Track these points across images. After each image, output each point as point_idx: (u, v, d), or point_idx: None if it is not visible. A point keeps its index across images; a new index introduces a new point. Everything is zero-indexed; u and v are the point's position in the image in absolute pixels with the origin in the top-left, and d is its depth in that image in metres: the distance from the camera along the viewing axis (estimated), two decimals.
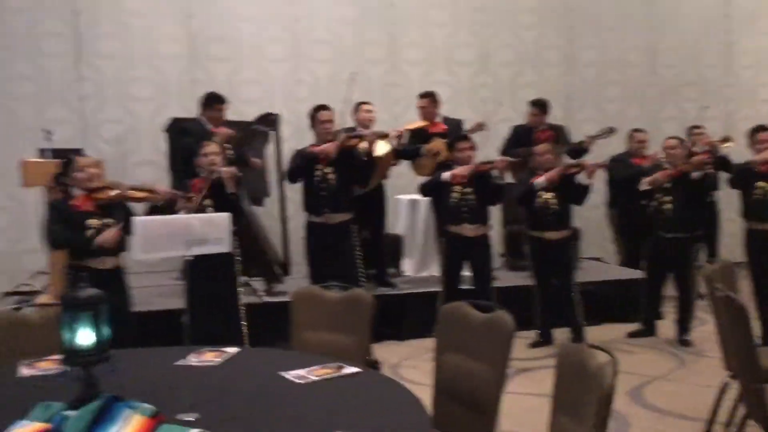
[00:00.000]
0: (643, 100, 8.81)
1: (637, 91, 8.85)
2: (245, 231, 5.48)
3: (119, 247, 4.22)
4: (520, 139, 6.85)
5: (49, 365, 2.76)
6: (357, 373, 2.57)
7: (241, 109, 6.99)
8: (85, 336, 2.08)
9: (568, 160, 6.34)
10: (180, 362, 2.76)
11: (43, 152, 5.82)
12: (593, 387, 2.06)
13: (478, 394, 2.65)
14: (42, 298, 5.88)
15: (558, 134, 6.95)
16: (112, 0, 7.51)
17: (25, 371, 2.71)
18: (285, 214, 6.78)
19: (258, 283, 6.25)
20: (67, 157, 4.38)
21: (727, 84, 9.08)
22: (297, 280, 6.73)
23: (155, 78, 7.67)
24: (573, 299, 5.56)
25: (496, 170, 5.33)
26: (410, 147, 6.23)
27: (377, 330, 4.80)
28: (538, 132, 6.83)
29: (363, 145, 5.18)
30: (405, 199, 7.07)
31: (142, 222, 2.21)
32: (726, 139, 6.69)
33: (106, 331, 2.12)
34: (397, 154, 6.19)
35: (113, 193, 4.20)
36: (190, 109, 7.68)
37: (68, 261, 4.18)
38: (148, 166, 7.58)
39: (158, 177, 7.11)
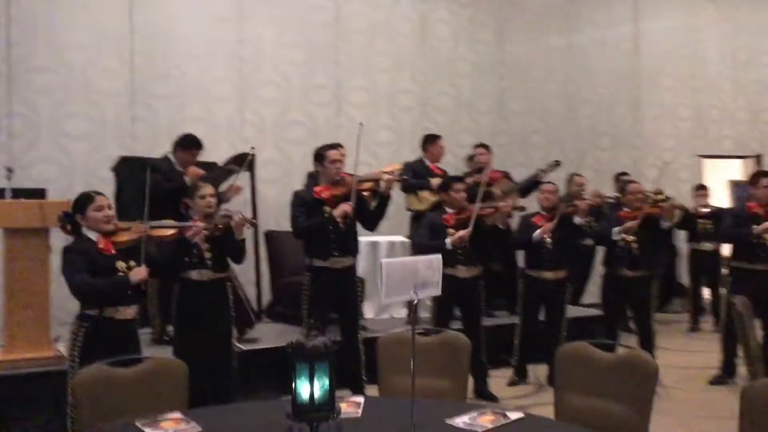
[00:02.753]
0: (563, 148, 9.35)
1: (558, 139, 9.40)
2: None
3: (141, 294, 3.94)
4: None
5: (172, 425, 2.54)
6: (522, 418, 2.56)
7: None
8: (316, 389, 1.95)
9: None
10: None
11: (2, 192, 5.31)
12: None
13: None
14: None
15: (506, 175, 7.22)
16: (47, 32, 7.03)
17: None
18: (258, 258, 6.55)
19: None
20: (81, 193, 3.98)
21: (636, 134, 9.87)
22: (270, 326, 6.57)
23: (92, 114, 7.23)
24: (560, 336, 5.79)
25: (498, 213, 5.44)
26: (417, 180, 6.39)
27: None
28: (491, 172, 7.03)
29: (378, 186, 5.08)
30: (365, 241, 7.03)
31: (388, 264, 2.09)
32: (658, 192, 7.22)
33: (332, 383, 2.00)
34: (404, 187, 6.29)
35: (135, 235, 3.92)
36: (129, 147, 7.32)
37: (82, 311, 3.82)
38: None
39: None
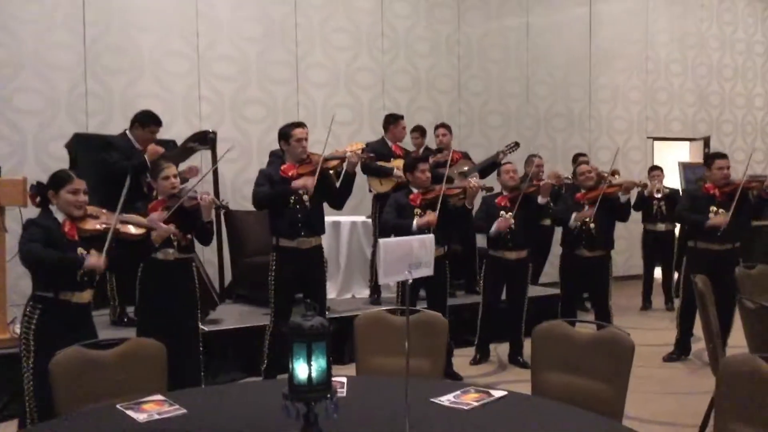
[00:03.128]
0: (519, 128, 9.44)
1: (515, 120, 9.47)
2: None
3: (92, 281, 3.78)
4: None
5: (155, 407, 2.49)
6: (505, 395, 2.58)
7: None
8: (313, 369, 1.93)
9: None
10: None
11: None
12: None
13: (599, 412, 2.73)
14: None
15: (466, 155, 7.28)
16: None
17: (137, 415, 2.41)
18: (221, 239, 6.44)
19: None
20: (61, 170, 3.80)
21: (589, 116, 10.01)
22: (231, 307, 6.49)
23: (43, 89, 6.98)
24: (522, 315, 5.88)
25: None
26: (380, 165, 6.38)
27: None
28: (452, 152, 7.06)
29: (343, 165, 5.02)
30: (326, 221, 6.98)
31: (385, 244, 2.06)
32: (614, 172, 7.37)
33: (327, 363, 1.98)
34: (364, 168, 6.21)
35: (101, 226, 3.77)
36: (81, 123, 7.11)
37: (36, 292, 3.67)
38: None
39: None
